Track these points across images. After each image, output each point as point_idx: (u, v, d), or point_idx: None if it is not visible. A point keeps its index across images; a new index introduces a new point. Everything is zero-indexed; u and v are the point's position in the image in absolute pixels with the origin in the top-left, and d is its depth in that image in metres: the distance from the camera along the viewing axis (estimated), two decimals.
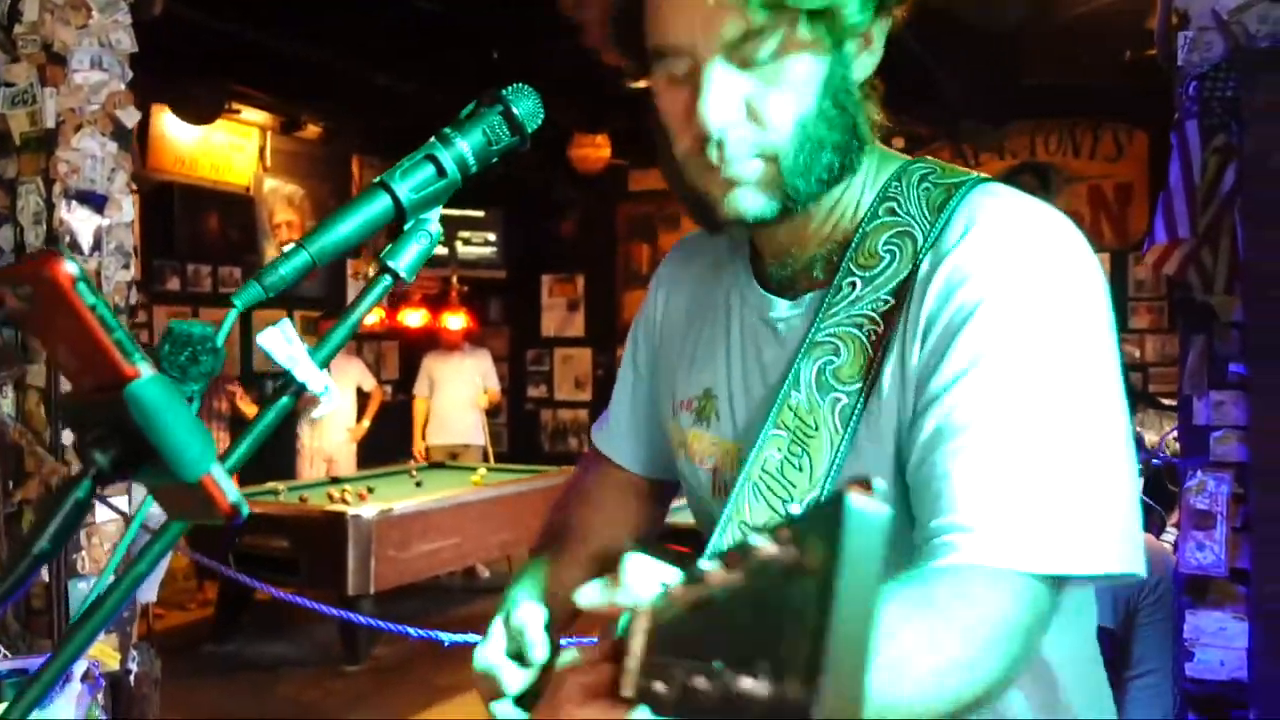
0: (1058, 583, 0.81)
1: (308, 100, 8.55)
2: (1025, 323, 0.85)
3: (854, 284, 0.95)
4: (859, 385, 0.92)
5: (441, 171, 0.87)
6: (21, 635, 2.81)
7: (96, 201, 2.96)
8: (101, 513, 3.00)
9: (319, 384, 0.80)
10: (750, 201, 0.93)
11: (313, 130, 9.14)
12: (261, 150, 9.04)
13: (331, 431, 7.45)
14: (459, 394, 7.75)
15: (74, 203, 2.91)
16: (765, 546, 0.46)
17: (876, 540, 0.43)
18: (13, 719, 0.68)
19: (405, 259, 0.86)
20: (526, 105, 0.91)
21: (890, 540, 0.41)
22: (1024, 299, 0.86)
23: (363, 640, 5.52)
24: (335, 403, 0.87)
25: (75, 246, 2.92)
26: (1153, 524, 2.39)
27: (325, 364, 0.81)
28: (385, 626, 2.58)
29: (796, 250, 1.00)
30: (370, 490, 6.42)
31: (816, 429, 0.93)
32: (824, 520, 0.43)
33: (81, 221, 2.91)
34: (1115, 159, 8.39)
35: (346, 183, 9.80)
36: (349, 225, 0.85)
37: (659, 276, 1.24)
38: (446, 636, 2.38)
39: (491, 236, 10.31)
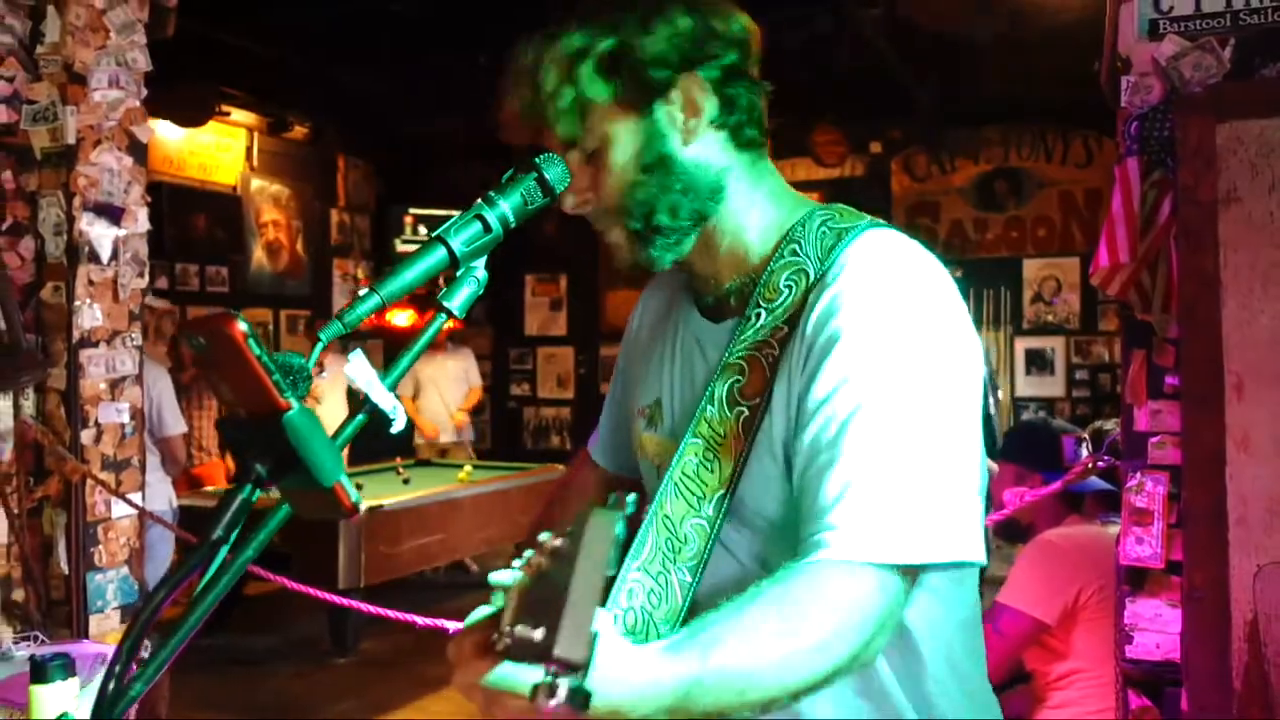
0: (910, 572, 0.97)
1: (294, 102, 8.67)
2: (880, 350, 1.01)
3: (759, 314, 1.12)
4: (757, 401, 1.09)
5: (487, 228, 1.06)
6: (43, 624, 2.96)
7: (114, 213, 3.11)
8: (117, 509, 3.16)
9: (389, 404, 0.99)
10: (626, 258, 1.18)
11: (299, 131, 9.24)
12: (248, 150, 9.12)
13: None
14: (445, 393, 7.90)
15: (93, 215, 3.06)
16: (554, 540, 0.75)
17: (608, 535, 0.70)
18: (137, 693, 0.85)
19: (458, 300, 1.05)
20: (556, 171, 1.10)
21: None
22: (881, 329, 1.02)
23: (351, 633, 5.66)
24: (402, 421, 1.05)
25: (94, 256, 3.07)
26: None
27: (393, 388, 1.00)
28: (393, 615, 2.74)
29: (715, 282, 1.19)
30: (360, 487, 6.50)
31: (725, 438, 1.10)
32: (580, 522, 0.70)
33: (100, 232, 3.06)
34: (1085, 165, 8.61)
35: (331, 182, 9.91)
36: (413, 272, 1.03)
37: (641, 299, 1.41)
38: (451, 624, 2.53)
39: None
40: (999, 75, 7.02)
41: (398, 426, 0.97)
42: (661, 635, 1.06)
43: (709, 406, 1.13)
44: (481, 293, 1.06)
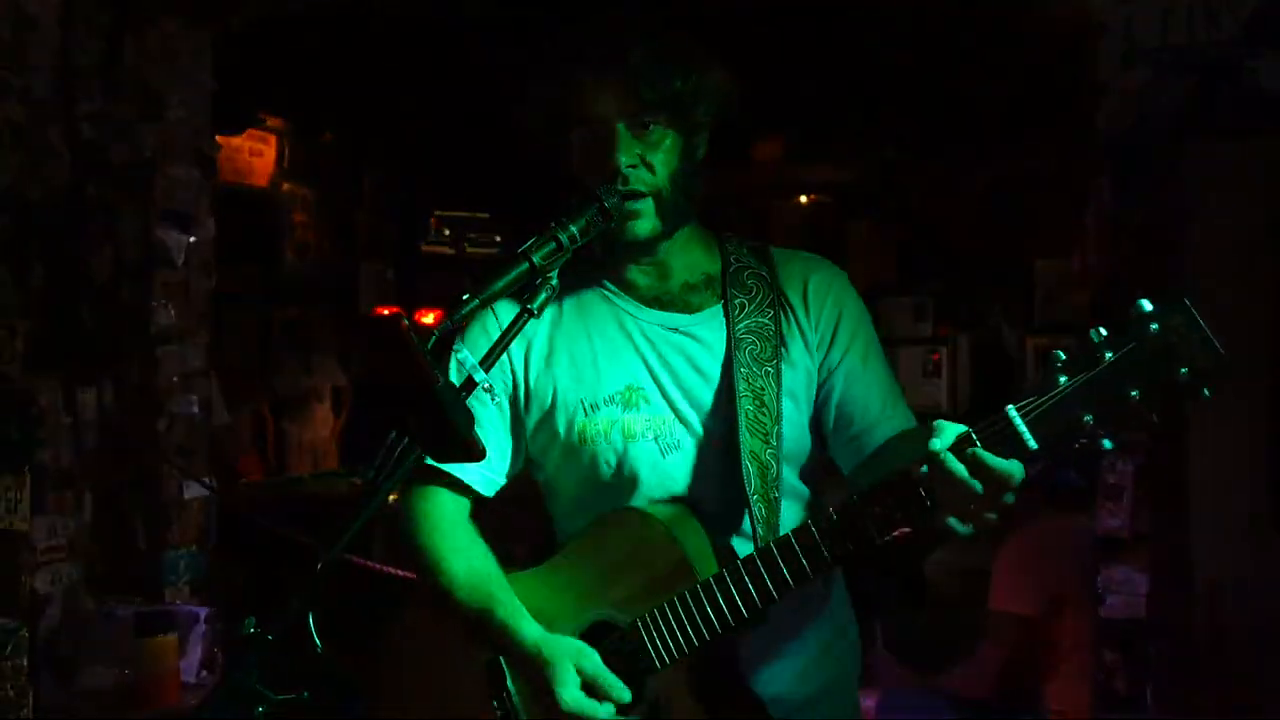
0: None
1: (325, 107, 8.94)
2: (860, 314, 1.54)
3: (743, 303, 1.52)
4: (775, 360, 1.47)
5: (560, 246, 1.34)
6: (116, 598, 3.27)
7: (185, 222, 3.41)
8: (189, 491, 3.46)
9: (487, 385, 1.27)
10: (644, 226, 1.46)
11: (328, 135, 9.50)
12: (280, 154, 9.39)
13: (317, 428, 7.97)
14: None
15: (166, 223, 3.36)
16: None
17: None
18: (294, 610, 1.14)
19: (536, 301, 1.33)
20: (613, 201, 1.39)
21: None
22: (856, 305, 1.54)
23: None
24: (498, 396, 1.34)
25: (168, 262, 3.37)
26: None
27: (490, 363, 1.28)
28: None
29: (665, 282, 1.54)
30: None
31: (764, 390, 1.46)
32: None
33: (173, 240, 3.36)
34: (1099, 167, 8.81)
35: (358, 187, 10.18)
36: (502, 281, 1.31)
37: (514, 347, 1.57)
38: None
39: (498, 237, 10.65)
40: (1008, 78, 7.22)
41: (500, 398, 1.26)
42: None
43: (741, 369, 1.46)
44: (553, 296, 1.35)
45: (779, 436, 1.45)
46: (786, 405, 1.47)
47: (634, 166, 1.42)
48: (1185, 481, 2.24)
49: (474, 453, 1.05)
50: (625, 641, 1.39)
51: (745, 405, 1.44)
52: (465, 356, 1.24)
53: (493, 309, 1.47)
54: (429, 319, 9.40)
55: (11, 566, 3.18)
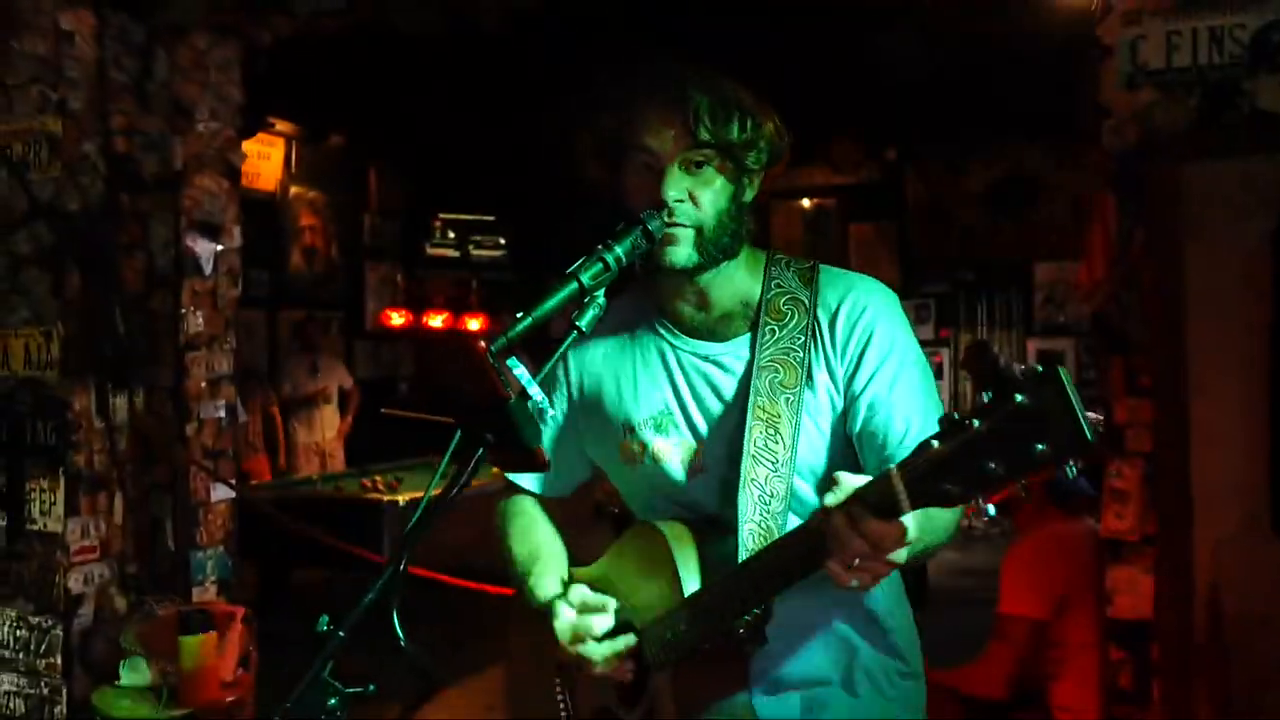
0: None
1: (331, 111, 9.02)
2: (893, 339, 1.51)
3: (773, 330, 1.54)
4: (798, 387, 1.50)
5: (607, 267, 1.43)
6: (154, 598, 3.36)
7: (213, 231, 3.51)
8: (216, 493, 3.55)
9: (540, 397, 1.36)
10: (680, 254, 1.51)
11: (335, 139, 9.58)
12: (287, 158, 9.46)
13: (324, 428, 8.04)
14: None
15: (195, 232, 3.45)
16: None
17: None
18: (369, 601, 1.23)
19: (585, 319, 1.42)
20: (656, 224, 1.48)
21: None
22: (889, 327, 1.52)
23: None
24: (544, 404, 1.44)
25: (198, 269, 3.47)
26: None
27: (540, 385, 1.37)
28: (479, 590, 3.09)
29: (706, 311, 1.59)
30: (399, 480, 6.89)
31: (780, 417, 1.49)
32: None
33: (202, 249, 3.46)
34: (1098, 172, 8.88)
35: (364, 188, 10.26)
36: (553, 300, 1.40)
37: (566, 368, 1.72)
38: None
39: (502, 240, 10.73)
40: (1012, 83, 7.30)
41: (550, 411, 1.36)
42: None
43: (758, 398, 1.52)
44: (600, 315, 1.44)
45: (790, 464, 1.49)
46: (807, 433, 1.50)
47: (681, 201, 1.49)
48: (1189, 487, 2.34)
49: (539, 464, 1.14)
50: (639, 639, 1.51)
51: (754, 433, 1.50)
52: (523, 374, 1.33)
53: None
54: (436, 321, 9.51)
55: (46, 567, 3.28)
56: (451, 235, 10.53)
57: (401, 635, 1.14)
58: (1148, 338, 2.39)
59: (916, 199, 9.51)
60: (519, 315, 1.37)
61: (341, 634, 1.25)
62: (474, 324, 8.70)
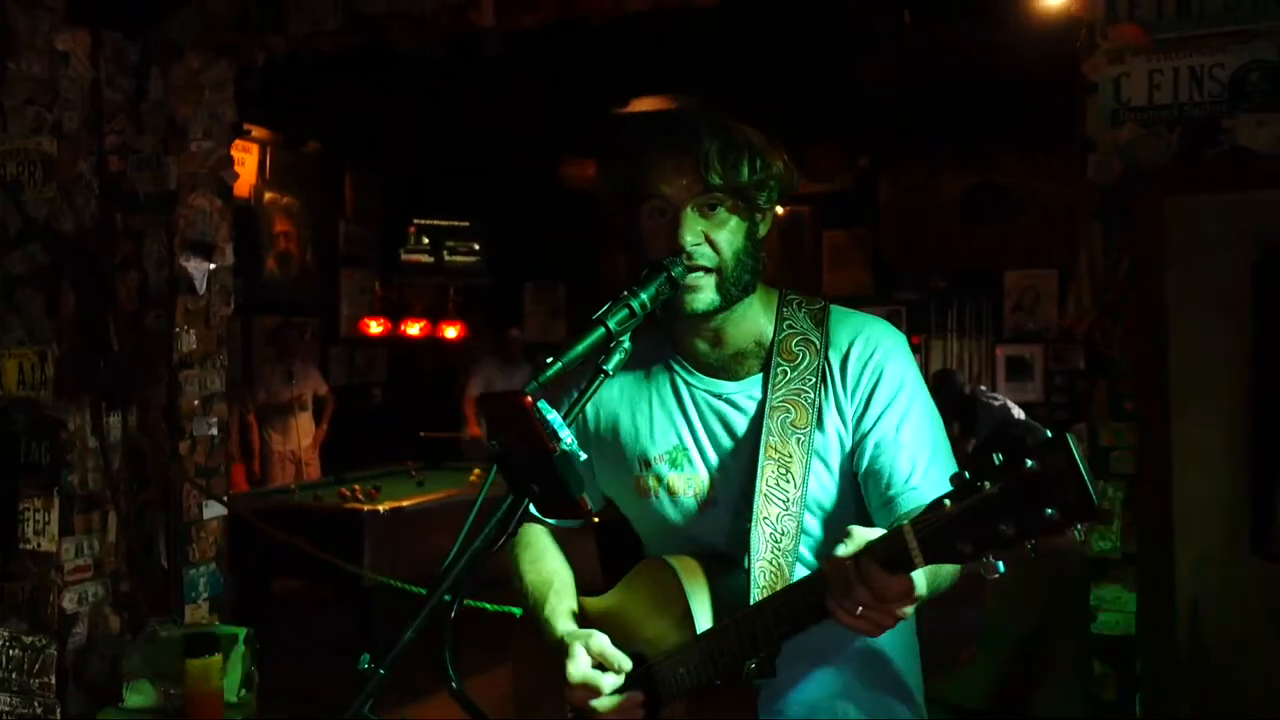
0: None
1: (307, 117, 8.99)
2: (902, 380, 1.56)
3: (785, 371, 1.59)
4: (808, 428, 1.55)
5: (632, 312, 1.49)
6: (146, 615, 3.37)
7: (207, 250, 3.52)
8: (208, 510, 3.57)
9: (570, 440, 1.41)
10: (703, 300, 1.57)
11: (311, 145, 9.54)
12: (261, 164, 9.41)
13: (299, 436, 8.03)
14: None
15: (189, 251, 3.47)
16: None
17: None
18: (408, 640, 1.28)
19: (611, 363, 1.47)
20: (679, 270, 1.54)
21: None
22: (898, 369, 1.57)
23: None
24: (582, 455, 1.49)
25: (191, 288, 3.48)
26: None
27: (570, 421, 1.41)
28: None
29: (720, 349, 1.64)
30: (377, 488, 6.85)
31: (791, 456, 1.54)
32: None
33: (195, 268, 3.48)
34: (1066, 181, 9.03)
35: (340, 195, 10.23)
36: (581, 345, 1.45)
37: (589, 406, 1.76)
38: (517, 610, 2.88)
39: (476, 245, 10.72)
40: (985, 91, 7.41)
41: (583, 456, 1.41)
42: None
43: (770, 437, 1.58)
44: (626, 359, 1.49)
45: (800, 503, 1.54)
46: (817, 473, 1.55)
47: (698, 244, 1.55)
48: (1170, 508, 2.43)
49: (581, 513, 1.20)
50: (651, 673, 1.54)
51: (766, 472, 1.55)
52: (555, 419, 1.37)
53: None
54: (414, 329, 9.52)
55: (40, 587, 3.29)
56: (426, 241, 10.51)
57: (454, 677, 1.19)
58: (1132, 363, 2.48)
59: (889, 206, 9.62)
60: (549, 360, 1.42)
61: (383, 671, 1.29)
62: (451, 331, 8.70)
